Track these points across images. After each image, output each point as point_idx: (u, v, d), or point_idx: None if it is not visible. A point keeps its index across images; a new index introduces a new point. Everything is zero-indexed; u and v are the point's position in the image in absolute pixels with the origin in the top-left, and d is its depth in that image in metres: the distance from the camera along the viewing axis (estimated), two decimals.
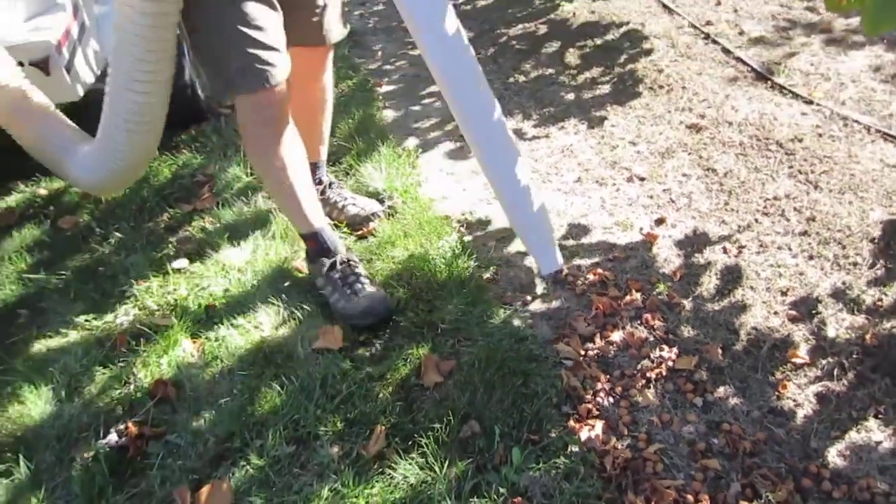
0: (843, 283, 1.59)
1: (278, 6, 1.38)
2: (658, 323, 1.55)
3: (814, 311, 1.53)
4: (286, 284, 1.71)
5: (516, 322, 1.56)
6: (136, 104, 1.28)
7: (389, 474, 1.26)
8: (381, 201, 1.94)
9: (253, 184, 2.08)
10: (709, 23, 2.79)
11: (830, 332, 1.48)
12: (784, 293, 1.59)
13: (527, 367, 1.42)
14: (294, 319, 1.61)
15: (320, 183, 1.86)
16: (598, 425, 1.33)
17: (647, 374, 1.43)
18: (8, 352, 1.58)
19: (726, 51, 2.58)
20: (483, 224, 1.91)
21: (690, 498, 1.20)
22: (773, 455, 1.27)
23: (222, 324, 1.60)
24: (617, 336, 1.53)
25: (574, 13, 3.02)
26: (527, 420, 1.33)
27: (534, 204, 1.52)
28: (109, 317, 1.66)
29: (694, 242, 1.77)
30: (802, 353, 1.45)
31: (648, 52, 2.63)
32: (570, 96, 2.47)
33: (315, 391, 1.42)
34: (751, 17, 2.80)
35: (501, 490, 1.21)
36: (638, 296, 1.62)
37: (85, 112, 1.66)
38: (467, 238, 1.83)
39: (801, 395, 1.37)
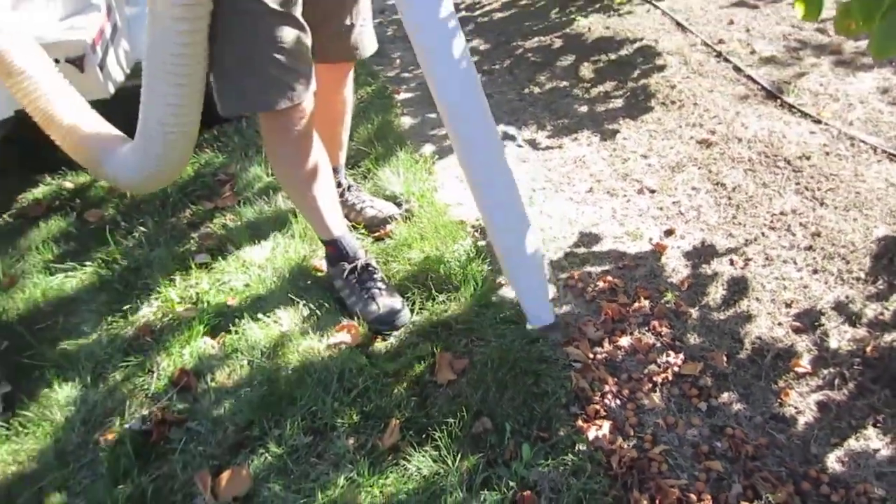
0: (846, 297, 1.63)
1: (307, 26, 1.38)
2: (665, 330, 1.60)
3: (817, 323, 1.58)
4: (305, 282, 1.77)
5: (528, 325, 1.61)
6: (170, 106, 1.31)
7: (404, 465, 1.31)
8: (399, 205, 2.00)
9: (273, 184, 2.14)
10: (721, 41, 2.85)
11: (832, 344, 1.53)
12: (788, 305, 1.64)
13: (537, 368, 1.47)
14: (313, 316, 1.66)
15: (339, 186, 1.92)
16: (606, 425, 1.38)
17: (654, 379, 1.48)
18: (36, 337, 1.63)
19: (737, 69, 2.63)
20: None
21: (693, 497, 1.24)
22: (774, 459, 1.31)
23: (242, 318, 1.65)
24: (625, 341, 1.58)
25: (589, 28, 3.09)
26: (537, 418, 1.38)
27: (529, 249, 1.47)
28: (133, 307, 1.72)
29: (702, 254, 1.82)
30: (805, 363, 1.49)
31: (661, 69, 2.69)
32: (584, 109, 2.53)
33: (332, 384, 1.47)
34: (762, 37, 2.86)
35: (511, 484, 1.26)
36: (646, 303, 1.67)
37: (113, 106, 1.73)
38: (481, 243, 1.88)
39: (802, 402, 1.42)
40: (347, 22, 1.53)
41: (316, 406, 1.43)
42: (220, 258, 1.86)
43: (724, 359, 1.51)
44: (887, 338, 1.52)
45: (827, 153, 2.11)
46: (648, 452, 1.33)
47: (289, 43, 1.33)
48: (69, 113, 1.41)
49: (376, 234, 1.92)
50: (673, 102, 2.48)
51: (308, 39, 1.38)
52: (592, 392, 1.45)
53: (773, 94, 2.44)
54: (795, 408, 1.41)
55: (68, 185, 2.18)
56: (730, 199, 1.99)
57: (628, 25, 3.06)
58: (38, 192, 2.16)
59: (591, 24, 3.11)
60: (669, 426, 1.39)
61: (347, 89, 1.80)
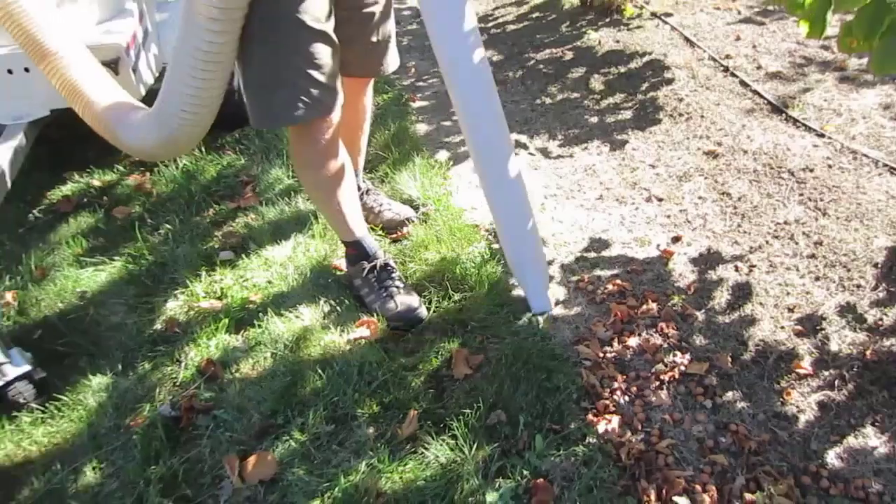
0: (847, 303, 1.70)
1: (337, 41, 1.42)
2: (672, 331, 1.66)
3: (818, 328, 1.64)
4: (325, 281, 1.84)
5: (540, 324, 1.67)
6: (190, 95, 1.31)
7: (422, 453, 1.37)
8: (416, 208, 2.07)
9: (294, 186, 2.22)
10: (728, 56, 2.92)
11: (833, 347, 1.59)
12: (791, 310, 1.70)
13: (550, 365, 1.54)
14: (333, 312, 1.73)
15: (358, 189, 1.99)
16: (615, 420, 1.44)
17: (661, 377, 1.54)
18: (68, 327, 1.70)
19: (744, 84, 2.71)
20: None
21: (699, 488, 1.30)
22: (776, 454, 1.37)
23: (265, 313, 1.72)
24: (633, 341, 1.64)
25: (599, 41, 3.17)
26: (549, 411, 1.44)
27: (533, 245, 1.59)
28: (160, 300, 1.79)
29: (707, 260, 1.88)
30: (806, 365, 1.56)
31: (669, 82, 2.77)
32: (594, 119, 2.60)
33: (353, 376, 1.53)
34: (768, 53, 2.94)
35: (525, 472, 1.32)
36: (654, 306, 1.73)
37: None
38: (495, 246, 1.95)
39: (803, 402, 1.48)
40: (374, 39, 1.59)
41: (337, 396, 1.49)
42: (243, 256, 1.93)
43: (729, 360, 1.58)
44: (886, 342, 1.59)
45: (830, 166, 2.18)
46: (655, 446, 1.39)
47: (322, 59, 1.38)
48: (92, 86, 1.47)
49: (394, 236, 1.99)
50: (681, 115, 2.55)
51: (338, 55, 1.43)
52: (602, 388, 1.52)
53: (778, 109, 2.52)
54: (797, 407, 1.47)
55: (96, 182, 2.26)
56: (735, 208, 2.06)
57: (638, 40, 3.14)
58: (67, 188, 2.24)
59: (602, 38, 3.20)
60: (676, 422, 1.45)
61: (367, 98, 1.88)
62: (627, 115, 2.61)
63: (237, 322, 1.71)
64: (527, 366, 1.53)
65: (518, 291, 1.79)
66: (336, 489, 1.31)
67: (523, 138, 2.49)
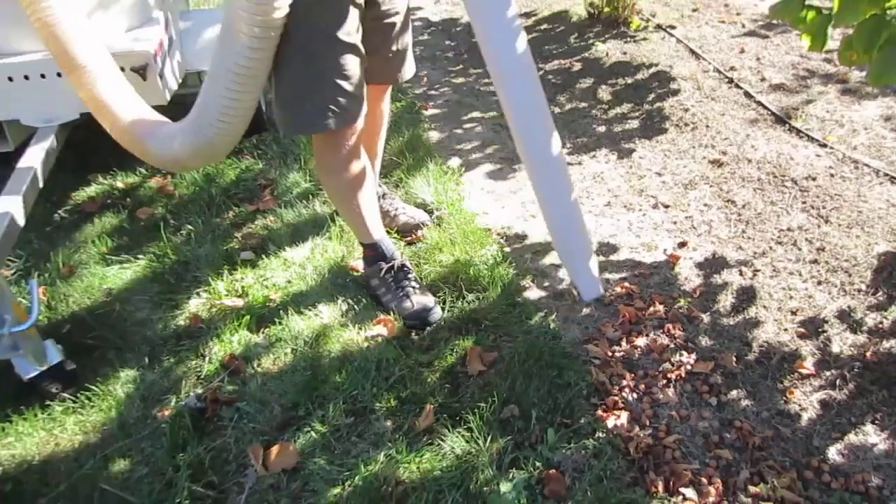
0: (848, 307, 1.75)
1: (364, 52, 1.49)
2: (678, 332, 1.72)
3: (820, 330, 1.70)
4: (342, 281, 1.90)
5: (551, 324, 1.73)
6: (227, 105, 1.37)
7: (438, 445, 1.43)
8: (430, 212, 2.14)
9: (311, 189, 2.29)
10: (732, 68, 3.00)
11: (835, 349, 1.65)
12: (794, 313, 1.76)
13: (561, 362, 1.59)
14: (351, 311, 1.79)
15: None
16: (623, 416, 1.50)
17: (668, 376, 1.60)
18: (96, 321, 1.77)
19: (748, 95, 2.78)
20: (520, 238, 2.09)
21: (705, 480, 1.35)
22: (779, 450, 1.43)
23: (285, 310, 1.78)
24: (641, 342, 1.70)
25: (607, 53, 3.25)
26: (560, 407, 1.50)
27: (581, 233, 1.63)
28: (184, 297, 1.85)
29: (713, 265, 1.94)
30: (808, 366, 1.61)
31: (675, 93, 2.84)
32: (602, 129, 2.67)
33: (371, 372, 1.59)
34: (772, 66, 3.01)
35: (538, 464, 1.38)
36: (661, 308, 1.79)
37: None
38: (506, 249, 2.01)
39: (806, 401, 1.53)
40: (394, 48, 1.66)
41: (356, 390, 1.55)
42: (263, 256, 1.99)
43: (734, 360, 1.63)
44: (886, 344, 1.64)
45: (832, 175, 2.25)
46: (663, 440, 1.44)
47: (351, 70, 1.46)
48: (119, 101, 1.54)
49: (409, 239, 2.05)
50: (686, 124, 2.62)
51: (364, 65, 1.51)
52: (611, 386, 1.57)
53: (781, 119, 2.59)
54: (799, 405, 1.52)
55: (119, 184, 2.33)
56: (740, 215, 2.12)
57: (644, 51, 3.22)
58: (91, 190, 2.31)
59: (609, 50, 3.27)
60: (682, 418, 1.50)
61: (385, 104, 1.95)
62: (634, 124, 2.68)
63: (258, 319, 1.77)
64: (539, 363, 1.59)
65: (529, 293, 1.85)
66: (356, 478, 1.37)
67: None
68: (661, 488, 1.34)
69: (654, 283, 1.89)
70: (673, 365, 1.63)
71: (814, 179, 2.23)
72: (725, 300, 1.81)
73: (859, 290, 1.80)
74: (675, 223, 2.13)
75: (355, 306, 1.80)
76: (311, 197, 2.25)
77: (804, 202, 2.14)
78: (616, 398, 1.54)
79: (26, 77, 1.90)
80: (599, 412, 1.50)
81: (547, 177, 1.58)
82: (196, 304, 1.83)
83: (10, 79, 1.89)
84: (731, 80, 2.89)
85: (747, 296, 1.82)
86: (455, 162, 2.48)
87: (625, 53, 3.22)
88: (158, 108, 1.82)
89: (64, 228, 2.14)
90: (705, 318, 1.76)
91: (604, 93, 2.92)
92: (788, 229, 2.04)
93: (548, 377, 1.56)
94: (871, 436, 1.45)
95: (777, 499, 1.32)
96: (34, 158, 1.81)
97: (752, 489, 1.34)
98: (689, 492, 1.33)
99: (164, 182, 2.33)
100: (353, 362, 1.62)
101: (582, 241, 1.65)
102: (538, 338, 1.66)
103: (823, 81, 2.84)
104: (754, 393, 1.56)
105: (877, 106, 2.63)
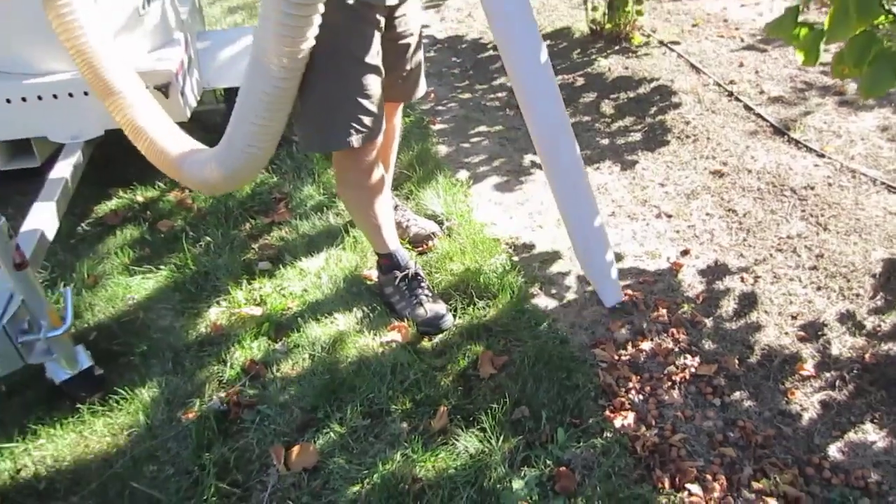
0: (847, 311, 1.81)
1: (383, 71, 1.58)
2: (682, 336, 1.78)
3: (820, 333, 1.76)
4: (357, 289, 1.97)
5: (559, 329, 1.80)
6: (255, 132, 1.46)
7: (452, 444, 1.48)
8: (440, 223, 2.21)
9: (324, 202, 2.36)
10: (732, 82, 3.07)
11: (834, 351, 1.70)
12: (794, 317, 1.82)
13: (569, 365, 1.66)
14: (366, 318, 1.86)
15: None
16: (630, 416, 1.56)
17: (673, 378, 1.66)
18: (121, 329, 1.84)
19: (748, 107, 2.86)
20: (528, 248, 2.16)
21: (709, 476, 1.41)
22: (781, 448, 1.48)
23: (303, 318, 1.85)
24: (646, 345, 1.76)
25: (609, 68, 3.33)
26: (569, 407, 1.56)
27: (603, 242, 1.72)
28: (204, 306, 1.92)
29: (715, 272, 2.01)
30: (809, 367, 1.67)
31: (677, 106, 2.91)
32: (605, 141, 2.74)
33: (387, 376, 1.65)
34: (771, 79, 3.09)
35: (548, 462, 1.44)
36: (665, 313, 1.85)
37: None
38: (515, 258, 2.08)
39: (807, 401, 1.59)
40: (408, 67, 1.74)
41: (373, 394, 1.61)
42: (279, 266, 2.06)
43: (736, 362, 1.69)
44: (884, 347, 1.70)
45: (830, 184, 2.31)
46: (669, 439, 1.50)
47: (373, 89, 1.54)
48: (154, 126, 1.63)
49: (420, 249, 2.12)
50: (688, 137, 2.69)
51: (383, 83, 1.59)
52: (618, 388, 1.63)
53: (780, 131, 2.66)
54: (800, 405, 1.58)
55: (139, 198, 2.41)
56: (740, 223, 2.19)
57: (646, 66, 3.30)
58: (112, 203, 2.39)
59: (612, 65, 3.36)
60: (687, 418, 1.56)
61: (397, 119, 2.03)
62: (637, 137, 2.75)
63: (277, 326, 1.84)
64: (548, 366, 1.65)
65: (537, 300, 1.92)
66: (374, 476, 1.43)
67: (539, 159, 2.63)
68: (667, 484, 1.40)
69: (657, 290, 1.95)
70: (677, 368, 1.69)
71: (812, 189, 2.30)
72: (728, 305, 1.88)
73: (857, 295, 1.86)
74: (677, 232, 2.19)
75: (370, 313, 1.87)
76: (324, 209, 2.32)
77: (803, 211, 2.21)
78: (623, 399, 1.60)
79: (54, 96, 1.99)
80: (607, 413, 1.56)
81: (570, 187, 1.66)
82: (216, 313, 1.90)
83: (39, 97, 1.98)
84: (730, 94, 2.97)
85: (749, 301, 1.88)
86: (463, 175, 2.55)
87: (627, 68, 3.31)
88: (179, 124, 1.91)
89: (87, 240, 2.21)
90: (708, 322, 1.82)
91: (607, 107, 3.00)
92: (788, 237, 2.10)
93: (557, 379, 1.62)
94: (870, 434, 1.50)
95: (779, 494, 1.37)
96: (63, 172, 1.89)
97: (755, 485, 1.39)
98: (695, 487, 1.39)
99: (182, 196, 2.41)
100: (369, 367, 1.68)
101: (603, 250, 1.72)
102: (547, 342, 1.72)
103: (821, 94, 2.92)
104: (756, 394, 1.61)
105: (874, 117, 2.71)
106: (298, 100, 1.51)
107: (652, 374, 1.67)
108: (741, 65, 3.25)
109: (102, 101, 1.66)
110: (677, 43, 3.53)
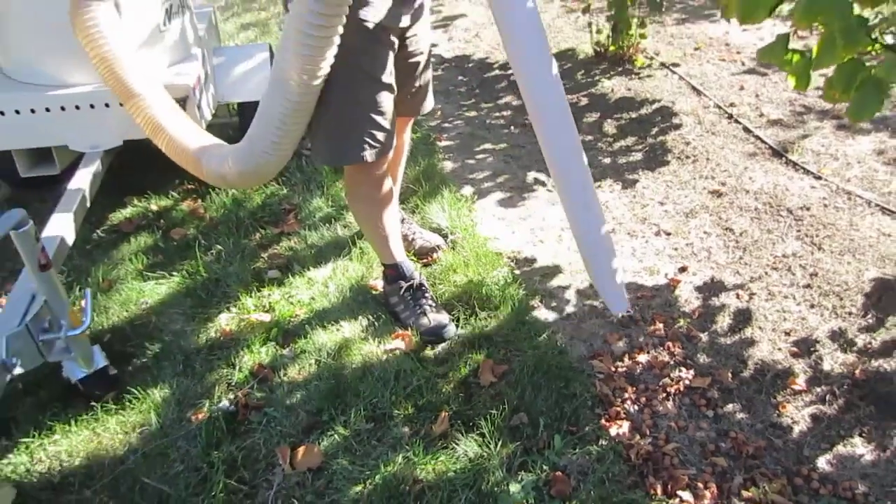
0: (839, 329, 1.86)
1: (396, 88, 1.65)
2: (678, 350, 1.83)
3: (812, 350, 1.80)
4: (362, 298, 2.03)
5: (558, 340, 1.85)
6: (274, 138, 1.54)
7: (452, 449, 1.54)
8: (444, 236, 2.27)
9: (332, 213, 2.43)
10: (732, 104, 3.15)
11: (826, 367, 1.75)
12: (787, 334, 1.87)
13: (567, 375, 1.71)
14: (371, 326, 1.92)
15: None
16: (625, 425, 1.60)
17: (668, 390, 1.71)
18: (134, 332, 1.90)
19: (747, 130, 2.93)
20: (530, 261, 2.22)
21: (701, 485, 1.46)
22: (772, 458, 1.53)
23: (310, 325, 1.91)
24: (643, 358, 1.81)
25: (612, 89, 3.41)
26: (566, 415, 1.61)
27: (610, 251, 1.78)
28: (215, 311, 1.98)
29: (711, 288, 2.06)
30: (801, 382, 1.72)
31: (677, 127, 2.99)
32: (607, 160, 2.81)
33: (390, 381, 1.71)
34: (770, 102, 3.16)
35: (545, 467, 1.49)
36: (661, 327, 1.91)
37: None
38: (517, 271, 2.14)
39: (797, 414, 1.64)
40: (417, 84, 1.82)
41: (376, 398, 1.67)
42: (288, 275, 2.13)
43: (730, 376, 1.74)
44: (874, 363, 1.75)
45: (825, 205, 2.37)
46: (662, 448, 1.55)
47: (386, 106, 1.61)
48: (173, 123, 1.70)
49: (425, 261, 2.19)
50: (688, 157, 2.76)
51: (394, 98, 1.65)
52: (614, 397, 1.68)
53: (778, 153, 2.72)
54: (791, 418, 1.63)
55: (153, 207, 2.48)
56: (737, 242, 2.25)
57: (648, 88, 3.38)
58: (127, 212, 2.46)
59: (614, 86, 3.44)
60: (681, 428, 1.61)
61: (406, 135, 2.10)
62: (638, 156, 2.82)
63: (285, 332, 1.90)
64: (546, 375, 1.70)
65: (537, 312, 1.97)
66: (376, 477, 1.48)
67: (542, 176, 2.70)
68: (659, 491, 1.44)
69: (655, 305, 2.00)
70: (672, 380, 1.74)
71: (808, 209, 2.36)
72: (723, 321, 1.93)
73: (850, 314, 1.91)
74: (676, 249, 2.25)
75: (375, 322, 1.93)
76: (332, 221, 2.39)
77: (799, 230, 2.26)
78: (619, 409, 1.65)
79: (76, 107, 2.07)
80: (603, 421, 1.61)
81: (579, 198, 1.70)
82: (226, 318, 1.96)
83: (62, 108, 2.06)
84: (730, 116, 3.04)
85: (743, 317, 1.94)
86: (468, 190, 2.62)
87: (629, 90, 3.39)
88: None
89: (103, 246, 2.28)
90: (703, 337, 1.87)
91: (609, 126, 3.08)
92: (783, 256, 2.16)
93: (555, 388, 1.67)
94: (858, 447, 1.55)
95: (768, 502, 1.42)
96: (82, 181, 1.96)
97: (745, 493, 1.44)
98: (686, 495, 1.43)
99: (195, 205, 2.48)
100: (373, 373, 1.74)
101: (611, 259, 1.77)
102: (546, 353, 1.78)
103: (819, 117, 2.99)
104: (749, 406, 1.66)
105: (870, 141, 2.77)
106: (314, 115, 1.58)
107: (647, 386, 1.72)
108: (741, 88, 3.32)
109: (124, 103, 1.74)
110: (679, 65, 3.61)
